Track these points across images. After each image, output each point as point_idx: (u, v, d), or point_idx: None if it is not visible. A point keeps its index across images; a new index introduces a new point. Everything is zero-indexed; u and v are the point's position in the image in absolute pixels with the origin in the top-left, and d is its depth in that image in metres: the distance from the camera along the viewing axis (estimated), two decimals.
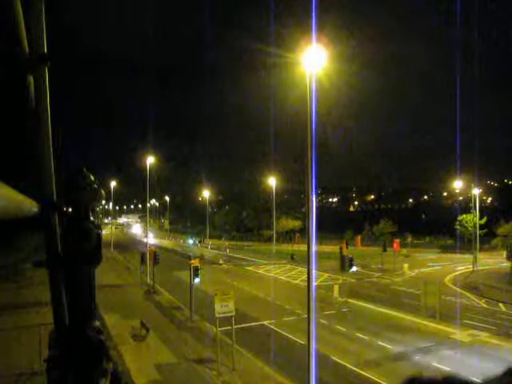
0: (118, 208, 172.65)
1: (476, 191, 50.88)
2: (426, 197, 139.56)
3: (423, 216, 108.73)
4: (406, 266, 41.91)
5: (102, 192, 2.05)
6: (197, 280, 23.37)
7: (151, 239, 78.88)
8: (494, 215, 66.94)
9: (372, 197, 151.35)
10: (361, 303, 27.18)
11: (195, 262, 24.30)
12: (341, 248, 36.80)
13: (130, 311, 24.29)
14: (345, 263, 30.87)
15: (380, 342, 19.11)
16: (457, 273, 42.29)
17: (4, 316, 20.98)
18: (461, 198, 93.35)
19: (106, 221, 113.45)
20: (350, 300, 27.30)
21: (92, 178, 1.95)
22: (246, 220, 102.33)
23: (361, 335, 20.19)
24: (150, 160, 38.71)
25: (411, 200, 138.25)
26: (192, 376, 15.53)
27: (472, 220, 54.83)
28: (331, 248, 55.58)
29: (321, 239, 68.03)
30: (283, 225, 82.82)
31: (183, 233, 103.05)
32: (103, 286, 28.80)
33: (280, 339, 19.57)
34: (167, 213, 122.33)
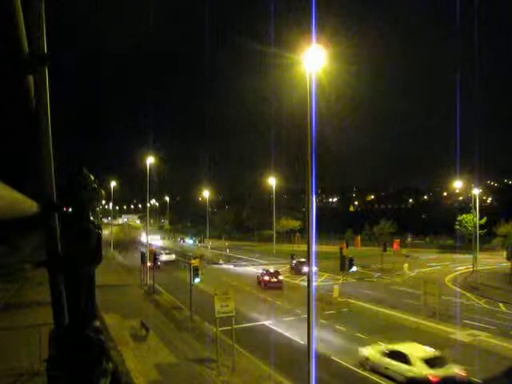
0: (118, 208, 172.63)
1: (476, 191, 50.86)
2: (425, 197, 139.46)
3: (423, 216, 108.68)
4: (405, 266, 41.91)
5: (102, 192, 2.06)
6: (197, 280, 23.38)
7: (157, 241, 78.81)
8: (494, 215, 66.89)
9: (372, 197, 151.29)
10: (361, 303, 27.17)
11: (195, 262, 24.31)
12: (341, 248, 36.82)
13: (130, 311, 24.29)
14: (345, 263, 30.91)
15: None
16: (457, 273, 42.29)
17: (4, 316, 20.98)
18: (461, 198, 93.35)
19: (105, 220, 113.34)
20: (350, 300, 27.29)
21: (92, 177, 1.95)
22: (246, 220, 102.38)
23: (361, 335, 20.18)
24: (150, 160, 38.72)
25: (411, 200, 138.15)
26: (192, 376, 15.52)
27: (472, 220, 54.77)
28: (331, 248, 55.56)
29: (321, 239, 68.03)
30: (283, 225, 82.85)
31: (183, 233, 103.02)
32: (103, 285, 28.78)
33: (280, 339, 19.56)
34: (167, 213, 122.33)
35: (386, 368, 15.11)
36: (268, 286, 32.78)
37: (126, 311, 24.33)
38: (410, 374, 14.01)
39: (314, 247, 11.22)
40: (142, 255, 35.12)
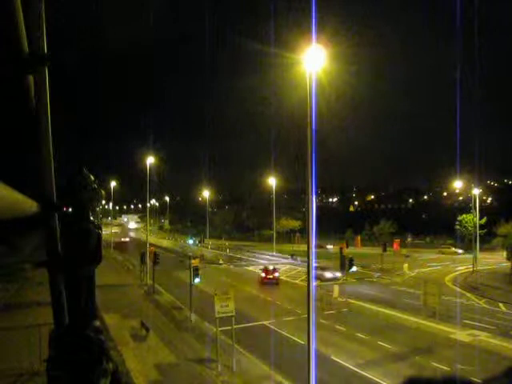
0: (118, 208, 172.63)
1: (476, 191, 50.87)
2: (425, 197, 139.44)
3: (423, 216, 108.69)
4: (405, 266, 41.93)
5: (102, 192, 2.06)
6: (197, 280, 23.38)
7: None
8: (494, 215, 66.88)
9: (372, 197, 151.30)
10: (361, 303, 27.18)
11: (195, 262, 24.29)
12: (341, 248, 36.85)
13: (130, 311, 24.29)
14: (345, 263, 30.90)
15: (380, 342, 19.10)
16: (457, 273, 42.30)
17: (4, 316, 20.98)
18: (461, 198, 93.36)
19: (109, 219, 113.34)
20: (350, 300, 27.29)
21: (92, 177, 1.95)
22: (246, 220, 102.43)
23: (361, 335, 20.18)
24: (150, 160, 38.74)
25: (411, 200, 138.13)
26: (192, 376, 15.53)
27: (472, 220, 54.78)
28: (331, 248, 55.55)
29: (321, 239, 68.05)
30: (283, 225, 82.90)
31: (183, 233, 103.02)
32: (103, 285, 28.78)
33: (280, 339, 19.56)
34: (167, 213, 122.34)
35: None
36: (264, 281, 34.41)
37: (126, 311, 24.33)
38: None
39: (313, 247, 11.23)
40: (142, 255, 35.15)
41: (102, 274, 31.20)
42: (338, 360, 16.89)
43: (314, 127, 10.92)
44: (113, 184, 65.51)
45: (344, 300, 27.08)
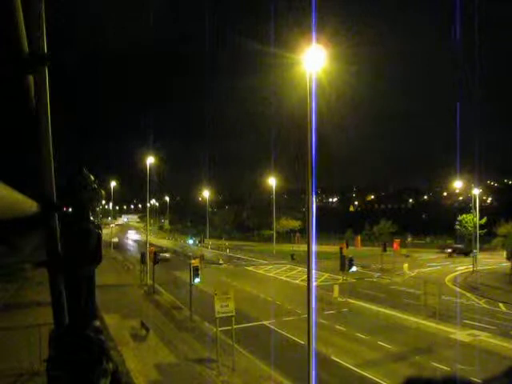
0: (118, 208, 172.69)
1: (476, 191, 50.85)
2: (425, 197, 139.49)
3: (423, 216, 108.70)
4: (405, 266, 41.89)
5: (102, 192, 2.06)
6: (197, 280, 23.38)
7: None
8: (494, 215, 66.89)
9: (372, 197, 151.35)
10: (361, 303, 27.18)
11: (195, 262, 24.31)
12: (341, 248, 36.85)
13: (130, 311, 24.29)
14: (345, 263, 30.90)
15: (380, 342, 19.10)
16: (457, 273, 42.28)
17: (4, 316, 20.99)
18: (461, 198, 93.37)
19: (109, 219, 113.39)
20: (350, 300, 27.29)
21: (92, 177, 1.95)
22: (246, 220, 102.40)
23: (361, 335, 20.18)
24: (150, 160, 38.73)
25: (411, 200, 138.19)
26: (192, 376, 15.53)
27: (472, 220, 54.78)
28: (331, 248, 55.56)
29: (321, 239, 68.04)
30: (283, 225, 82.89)
31: (183, 233, 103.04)
32: (103, 285, 28.79)
33: (280, 339, 19.56)
34: (167, 213, 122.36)
35: None
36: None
37: (126, 311, 24.33)
38: None
39: (313, 247, 11.23)
40: (142, 255, 35.14)
41: (102, 274, 31.20)
42: (338, 360, 16.88)
43: (313, 127, 10.93)
44: (113, 184, 65.57)
45: (344, 300, 27.08)
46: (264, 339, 19.43)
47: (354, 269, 32.50)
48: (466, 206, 66.95)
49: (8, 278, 26.21)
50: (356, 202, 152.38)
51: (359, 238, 73.93)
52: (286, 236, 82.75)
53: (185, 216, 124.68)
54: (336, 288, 28.36)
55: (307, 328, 10.74)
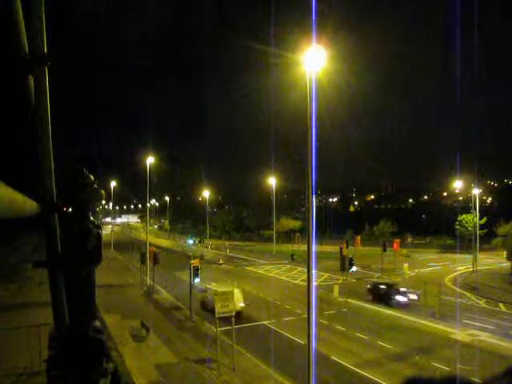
0: (118, 208, 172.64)
1: (476, 191, 50.83)
2: (426, 197, 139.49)
3: (423, 216, 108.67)
4: (405, 266, 41.86)
5: (102, 192, 2.06)
6: (197, 280, 23.37)
7: None
8: (494, 215, 66.87)
9: (372, 197, 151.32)
10: (361, 303, 27.17)
11: (195, 262, 24.28)
12: (341, 248, 36.79)
13: (130, 311, 24.28)
14: (345, 263, 30.87)
15: (380, 342, 19.10)
16: (457, 273, 42.28)
17: (4, 316, 20.97)
18: (461, 198, 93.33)
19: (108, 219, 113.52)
20: (350, 300, 27.28)
21: (92, 177, 1.96)
22: (246, 220, 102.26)
23: (361, 335, 20.18)
24: (150, 160, 38.71)
25: (411, 200, 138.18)
26: (192, 376, 15.52)
27: (472, 220, 54.76)
28: (331, 248, 55.56)
29: (321, 239, 68.05)
30: (283, 225, 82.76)
31: (183, 233, 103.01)
32: (103, 285, 28.78)
33: (280, 339, 19.56)
34: (167, 213, 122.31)
35: None
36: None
37: (126, 311, 24.32)
38: None
39: (313, 247, 11.23)
40: (142, 255, 35.09)
41: (102, 273, 31.19)
42: (337, 360, 16.89)
43: (313, 127, 10.92)
44: (113, 184, 65.51)
45: (344, 300, 27.07)
46: (264, 339, 19.42)
47: (353, 269, 32.48)
48: (466, 206, 66.93)
49: (8, 278, 26.23)
50: (356, 202, 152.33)
51: (359, 238, 73.86)
52: (286, 236, 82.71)
53: (185, 216, 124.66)
54: (336, 288, 28.34)
55: (307, 328, 10.74)
